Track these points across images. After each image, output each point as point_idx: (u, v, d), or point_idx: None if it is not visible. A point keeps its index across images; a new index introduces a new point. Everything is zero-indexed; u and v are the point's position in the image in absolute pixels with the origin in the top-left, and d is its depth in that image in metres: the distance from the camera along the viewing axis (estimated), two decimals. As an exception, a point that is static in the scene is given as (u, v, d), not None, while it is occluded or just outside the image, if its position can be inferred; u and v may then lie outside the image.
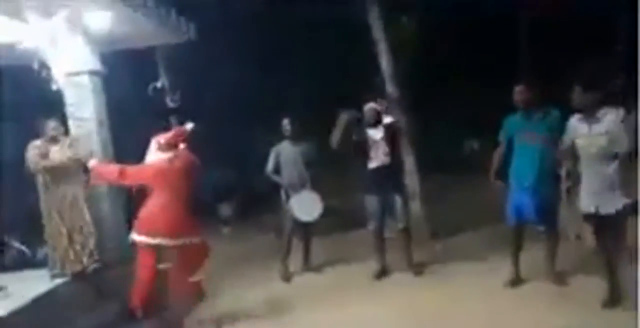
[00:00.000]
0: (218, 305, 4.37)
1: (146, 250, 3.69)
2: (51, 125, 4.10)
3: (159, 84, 5.43)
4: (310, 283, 4.80)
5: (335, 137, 4.41)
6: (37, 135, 4.13)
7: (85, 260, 3.99)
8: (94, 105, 4.47)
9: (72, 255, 3.96)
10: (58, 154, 4.06)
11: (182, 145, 3.83)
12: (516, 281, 4.14)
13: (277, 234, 5.20)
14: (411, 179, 5.63)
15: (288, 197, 4.87)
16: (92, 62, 4.50)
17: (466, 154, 9.32)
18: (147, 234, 3.65)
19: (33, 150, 4.03)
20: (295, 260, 5.07)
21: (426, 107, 5.85)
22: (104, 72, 4.63)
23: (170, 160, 3.74)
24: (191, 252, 3.75)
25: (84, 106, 4.40)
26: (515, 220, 4.09)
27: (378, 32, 5.83)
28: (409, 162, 5.63)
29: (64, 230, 3.98)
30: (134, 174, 3.71)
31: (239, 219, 7.49)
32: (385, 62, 5.82)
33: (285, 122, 4.96)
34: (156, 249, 3.70)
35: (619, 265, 3.39)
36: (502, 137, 4.17)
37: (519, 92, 3.99)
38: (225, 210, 7.77)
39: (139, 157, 3.81)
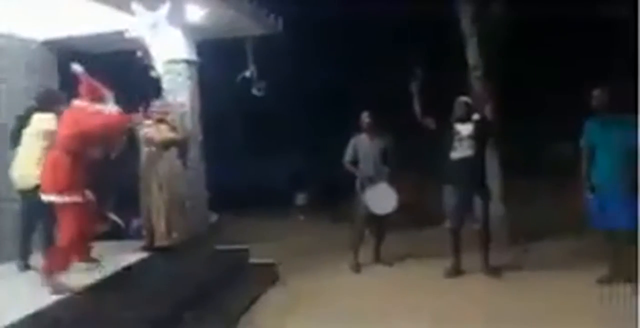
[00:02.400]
0: (289, 289, 4.52)
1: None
2: (161, 109, 4.37)
3: (247, 74, 5.64)
4: (379, 276, 4.80)
5: (416, 107, 4.52)
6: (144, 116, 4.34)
7: (174, 235, 4.18)
8: (189, 92, 4.77)
9: (163, 229, 4.14)
10: (164, 132, 4.30)
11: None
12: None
13: (351, 225, 5.25)
14: (494, 180, 5.41)
15: (363, 188, 4.89)
16: (188, 51, 4.79)
17: (555, 156, 8.77)
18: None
19: (148, 127, 4.26)
20: (367, 252, 5.09)
21: (514, 105, 5.61)
22: (199, 61, 4.91)
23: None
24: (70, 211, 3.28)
25: (179, 93, 4.70)
26: (601, 225, 3.93)
27: (467, 26, 5.65)
28: (493, 161, 5.42)
29: (161, 204, 4.15)
30: None
31: (315, 208, 7.63)
32: (472, 57, 5.64)
33: (365, 115, 4.98)
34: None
35: None
36: (584, 142, 4.05)
37: (595, 97, 3.93)
38: (301, 198, 7.96)
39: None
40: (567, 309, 3.66)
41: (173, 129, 4.37)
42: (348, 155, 5.00)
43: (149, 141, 4.28)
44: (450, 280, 4.49)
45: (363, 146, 4.97)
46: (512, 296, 4.04)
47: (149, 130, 4.29)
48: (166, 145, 4.29)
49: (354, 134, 5.04)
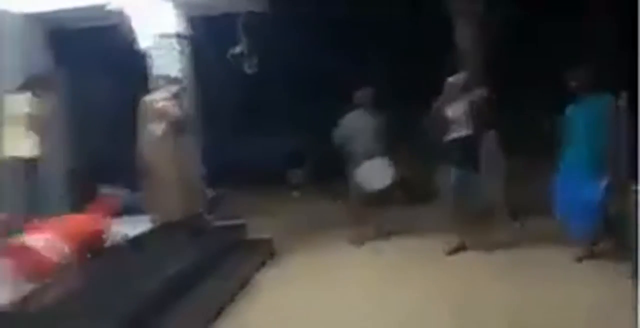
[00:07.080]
0: (286, 264, 4.52)
1: None
2: (173, 88, 4.31)
3: (237, 50, 5.52)
4: (377, 252, 4.80)
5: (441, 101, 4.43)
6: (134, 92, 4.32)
7: (183, 211, 4.11)
8: (182, 67, 4.69)
9: (175, 205, 4.07)
10: (176, 108, 4.22)
11: None
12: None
13: (345, 201, 5.24)
14: (492, 158, 5.38)
15: (356, 165, 4.85)
16: (181, 25, 4.70)
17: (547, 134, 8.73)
18: None
19: (163, 100, 4.17)
20: (366, 229, 5.07)
21: (510, 84, 5.57)
22: (190, 36, 4.82)
23: None
24: None
25: (172, 68, 4.61)
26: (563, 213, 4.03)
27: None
28: (491, 139, 5.38)
29: (174, 181, 4.07)
30: None
31: (311, 185, 7.60)
32: (465, 38, 5.56)
33: (361, 92, 4.91)
34: None
35: None
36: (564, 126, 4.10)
37: (574, 77, 3.94)
38: (296, 175, 7.93)
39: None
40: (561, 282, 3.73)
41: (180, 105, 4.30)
42: (339, 132, 4.92)
43: (162, 115, 4.14)
44: (451, 257, 4.48)
45: (357, 122, 4.90)
46: (508, 272, 4.07)
47: (165, 104, 4.16)
48: (178, 121, 4.21)
49: (348, 111, 4.97)
